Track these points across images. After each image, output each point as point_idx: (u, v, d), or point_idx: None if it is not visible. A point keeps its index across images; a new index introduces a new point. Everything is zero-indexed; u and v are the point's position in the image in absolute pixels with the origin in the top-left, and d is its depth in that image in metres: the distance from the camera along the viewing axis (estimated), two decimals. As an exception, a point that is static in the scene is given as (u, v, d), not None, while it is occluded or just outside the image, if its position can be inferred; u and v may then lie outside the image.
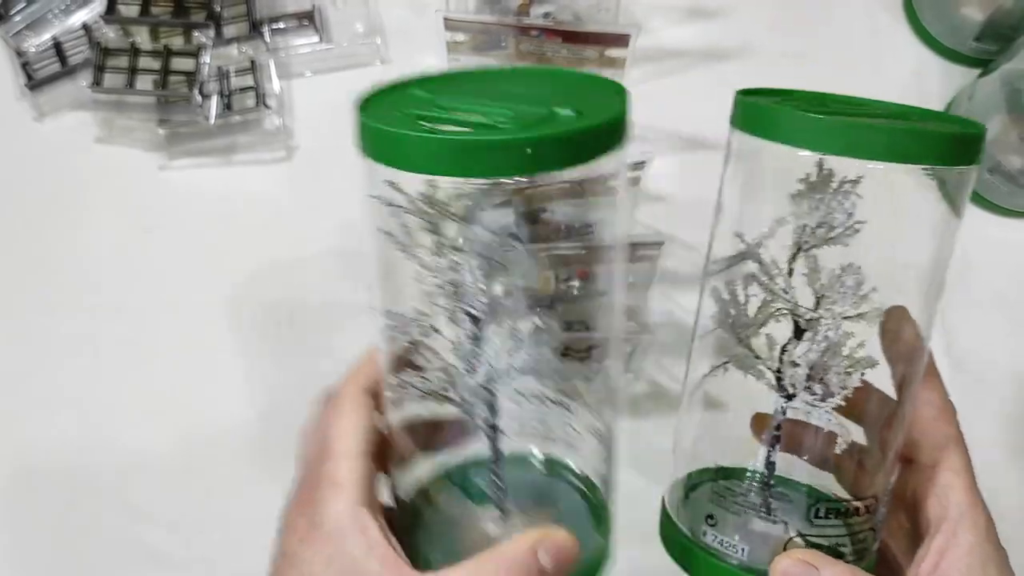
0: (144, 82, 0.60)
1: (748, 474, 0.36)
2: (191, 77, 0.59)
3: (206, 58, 0.59)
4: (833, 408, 0.33)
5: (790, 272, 0.32)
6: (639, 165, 0.54)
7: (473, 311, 0.31)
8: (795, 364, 0.32)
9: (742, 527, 0.35)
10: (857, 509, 0.35)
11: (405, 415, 0.35)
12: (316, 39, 0.62)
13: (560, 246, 0.54)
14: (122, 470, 0.58)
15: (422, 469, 0.36)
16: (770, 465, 0.35)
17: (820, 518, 0.35)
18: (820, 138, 0.29)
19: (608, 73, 0.57)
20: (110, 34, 0.60)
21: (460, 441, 0.35)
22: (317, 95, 0.62)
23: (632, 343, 0.56)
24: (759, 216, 0.33)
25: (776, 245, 0.32)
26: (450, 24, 0.54)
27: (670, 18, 0.62)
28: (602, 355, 0.57)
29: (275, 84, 0.61)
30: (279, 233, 0.60)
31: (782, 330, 0.33)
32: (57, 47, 0.61)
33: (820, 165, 0.30)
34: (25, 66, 0.61)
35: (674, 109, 0.61)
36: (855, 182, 0.30)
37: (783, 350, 0.33)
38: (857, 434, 0.35)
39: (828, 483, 0.36)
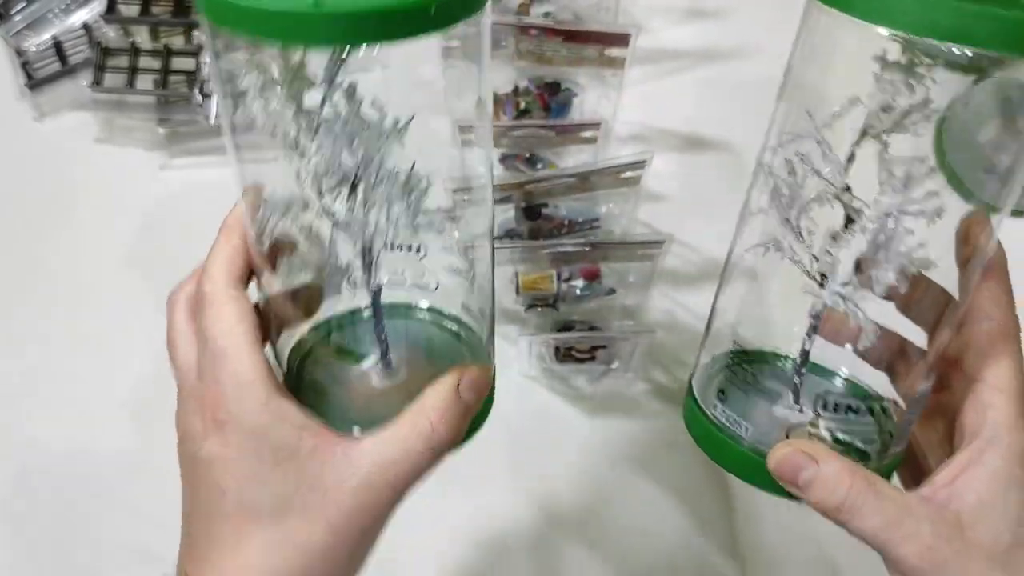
0: (144, 82, 0.60)
1: (779, 358, 0.35)
2: (191, 77, 0.59)
3: (207, 58, 0.60)
4: (883, 299, 0.31)
5: (851, 157, 0.30)
6: (639, 164, 0.54)
7: (341, 180, 0.30)
8: (836, 252, 0.31)
9: (751, 406, 0.34)
10: (870, 408, 0.34)
11: (279, 288, 0.35)
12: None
13: (563, 242, 0.54)
14: (122, 470, 0.58)
15: (299, 332, 0.36)
16: (804, 353, 0.33)
17: (829, 410, 0.33)
18: (905, 15, 0.26)
19: (608, 73, 0.58)
20: (110, 34, 0.60)
21: (329, 299, 0.35)
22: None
23: (632, 342, 0.57)
24: (829, 96, 0.31)
25: (843, 130, 0.30)
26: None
27: (670, 18, 0.63)
28: (609, 356, 0.57)
29: (275, 84, 0.61)
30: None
31: (835, 219, 0.31)
32: (57, 47, 0.61)
33: (902, 44, 0.28)
34: (25, 66, 0.61)
35: (674, 109, 0.62)
36: (932, 65, 0.28)
37: (831, 243, 0.31)
38: (903, 333, 0.34)
39: (869, 382, 0.35)
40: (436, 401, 0.32)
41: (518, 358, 0.58)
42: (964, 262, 0.32)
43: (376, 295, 0.34)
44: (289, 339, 0.36)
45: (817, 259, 0.31)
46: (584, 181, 0.55)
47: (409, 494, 0.32)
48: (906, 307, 0.33)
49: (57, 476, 0.58)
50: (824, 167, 0.30)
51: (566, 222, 0.56)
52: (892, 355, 0.34)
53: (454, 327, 0.37)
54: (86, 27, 0.61)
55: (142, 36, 0.61)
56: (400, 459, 0.31)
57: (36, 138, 0.62)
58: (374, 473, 0.30)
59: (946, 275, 0.33)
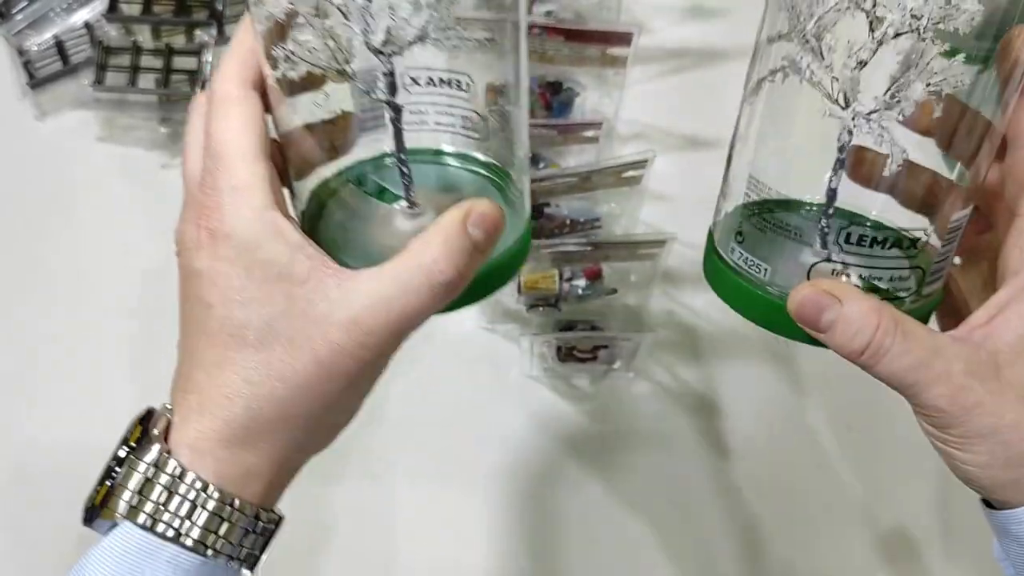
0: (146, 81, 0.60)
1: (804, 205, 0.32)
2: (193, 76, 0.59)
3: (208, 56, 0.59)
4: (918, 130, 0.28)
5: None
6: (641, 164, 0.54)
7: None
8: (858, 67, 0.28)
9: (771, 248, 0.32)
10: (899, 240, 0.31)
11: (298, 119, 0.31)
12: (318, 39, 0.62)
13: (565, 242, 0.54)
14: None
15: (320, 175, 0.33)
16: (830, 192, 0.30)
17: (852, 244, 0.31)
18: None
19: (610, 72, 0.58)
20: (112, 33, 0.60)
21: (357, 140, 0.33)
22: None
23: (634, 342, 0.56)
24: None
25: None
26: (452, 23, 0.54)
27: (672, 18, 0.63)
28: (611, 356, 0.57)
29: (277, 83, 0.61)
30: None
31: (857, 35, 0.28)
32: (59, 46, 0.61)
33: None
34: (27, 65, 0.61)
35: (676, 108, 0.61)
36: None
37: (850, 55, 0.28)
38: (936, 162, 0.31)
39: (911, 221, 0.32)
40: (440, 235, 0.28)
41: (520, 358, 0.58)
42: (1005, 79, 0.29)
43: (397, 111, 0.30)
44: (306, 184, 0.33)
45: (838, 79, 0.28)
46: (586, 180, 0.55)
47: (409, 334, 0.29)
48: (942, 140, 0.30)
49: (57, 476, 0.58)
50: None
51: (568, 221, 0.56)
52: (926, 192, 0.31)
53: (487, 172, 0.34)
54: (88, 26, 0.61)
55: (144, 35, 0.61)
56: (397, 296, 0.28)
57: (37, 137, 0.62)
58: (368, 308, 0.27)
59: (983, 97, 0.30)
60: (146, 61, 0.60)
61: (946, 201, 0.31)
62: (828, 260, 0.31)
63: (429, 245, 0.28)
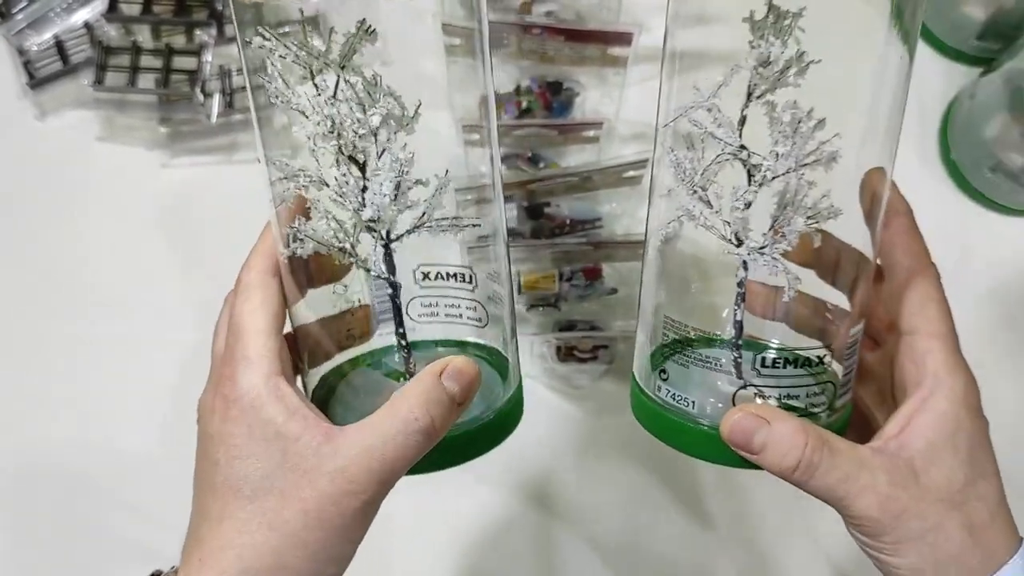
0: (146, 81, 0.60)
1: (714, 336, 0.35)
2: (193, 75, 0.59)
3: (208, 56, 0.59)
4: (793, 261, 0.32)
5: (743, 120, 0.31)
6: (641, 164, 0.54)
7: (354, 148, 0.31)
8: (745, 209, 0.32)
9: (695, 380, 0.34)
10: (809, 359, 0.33)
11: (311, 314, 0.35)
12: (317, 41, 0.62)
13: (565, 242, 0.54)
14: (121, 470, 0.58)
15: (331, 362, 0.37)
16: (737, 324, 0.34)
17: (768, 367, 0.33)
18: None
19: (611, 72, 0.58)
20: (112, 33, 0.60)
21: (373, 331, 0.36)
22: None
23: (634, 342, 0.56)
24: (710, 66, 0.32)
25: (735, 95, 0.31)
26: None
27: (672, 17, 0.62)
28: (611, 356, 0.57)
29: (277, 83, 0.61)
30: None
31: (739, 181, 0.32)
32: (59, 46, 0.61)
33: (767, 2, 0.29)
34: (27, 65, 0.61)
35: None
36: (797, 15, 0.29)
37: (736, 199, 0.32)
38: (824, 291, 0.34)
39: (808, 346, 0.35)
40: (416, 387, 0.31)
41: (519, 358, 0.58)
42: (867, 214, 0.32)
43: (395, 288, 0.34)
44: (317, 370, 0.36)
45: (729, 223, 0.32)
46: (586, 180, 0.55)
47: (393, 482, 0.31)
48: (823, 271, 0.33)
49: (57, 476, 0.58)
50: (717, 129, 0.31)
51: (568, 221, 0.56)
52: (817, 317, 0.34)
53: (486, 356, 0.37)
54: (87, 26, 0.61)
55: (144, 35, 0.61)
56: (377, 445, 0.30)
57: (37, 137, 0.62)
58: (352, 458, 0.30)
59: (856, 229, 0.33)
60: (146, 61, 0.60)
61: (839, 322, 0.34)
62: (748, 386, 0.34)
63: (406, 396, 0.31)
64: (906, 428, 0.31)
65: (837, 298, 0.34)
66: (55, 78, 0.61)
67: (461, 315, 0.36)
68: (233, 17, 0.32)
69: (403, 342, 0.35)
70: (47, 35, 0.61)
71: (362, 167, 0.31)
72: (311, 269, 0.34)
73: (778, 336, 0.35)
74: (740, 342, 0.34)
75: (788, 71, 0.30)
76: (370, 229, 0.32)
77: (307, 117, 0.31)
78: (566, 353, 0.57)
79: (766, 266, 0.32)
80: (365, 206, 0.32)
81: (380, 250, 0.33)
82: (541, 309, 0.57)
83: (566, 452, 0.58)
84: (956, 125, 0.60)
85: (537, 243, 0.55)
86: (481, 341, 0.37)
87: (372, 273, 0.33)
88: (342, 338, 0.36)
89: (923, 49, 0.62)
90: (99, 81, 0.59)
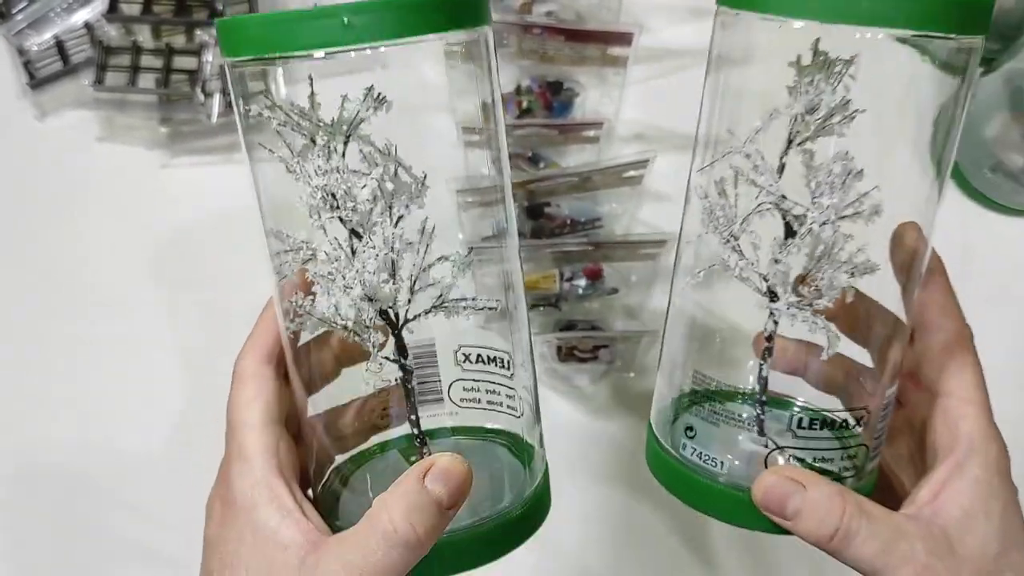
0: (146, 80, 0.60)
1: (739, 392, 0.33)
2: (193, 75, 0.59)
3: (208, 56, 0.59)
4: (824, 316, 0.30)
5: (781, 168, 0.30)
6: (641, 164, 0.54)
7: (349, 220, 0.29)
8: (779, 262, 0.30)
9: (724, 441, 0.33)
10: (845, 422, 0.32)
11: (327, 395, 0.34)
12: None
13: (566, 242, 0.54)
14: (121, 470, 0.58)
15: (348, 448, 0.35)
16: (762, 380, 0.32)
17: (804, 429, 0.32)
18: (811, 4, 0.26)
19: (611, 72, 0.58)
20: (112, 33, 0.60)
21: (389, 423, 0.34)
22: (317, 94, 0.62)
23: (634, 342, 0.56)
24: (751, 110, 0.30)
25: (770, 140, 0.30)
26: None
27: (672, 17, 0.62)
28: (611, 356, 0.57)
29: (277, 83, 0.61)
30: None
31: (775, 232, 0.31)
32: (59, 46, 0.61)
33: (814, 45, 0.28)
34: (27, 65, 0.61)
35: (676, 108, 0.61)
36: (848, 62, 0.28)
37: (773, 250, 0.30)
38: (857, 353, 0.33)
39: (830, 404, 0.34)
40: (397, 492, 0.29)
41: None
42: (901, 269, 0.32)
43: (407, 373, 0.32)
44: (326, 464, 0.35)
45: (766, 277, 0.30)
46: (586, 180, 0.55)
47: None
48: (851, 327, 0.32)
49: (57, 476, 0.58)
50: (759, 177, 0.30)
51: (568, 221, 0.56)
52: (844, 376, 0.33)
53: (506, 443, 0.35)
54: (88, 26, 0.61)
55: (144, 35, 0.61)
56: (357, 562, 0.28)
57: (37, 137, 0.62)
58: (338, 568, 0.28)
59: (889, 286, 0.32)
60: (146, 61, 0.60)
61: (868, 382, 0.33)
62: (782, 448, 0.32)
63: (386, 504, 0.29)
64: (940, 495, 0.30)
65: (859, 355, 0.33)
66: (55, 78, 0.61)
67: (501, 403, 0.34)
68: (230, 86, 0.31)
69: (416, 430, 0.33)
70: (47, 35, 0.61)
71: (357, 236, 0.30)
72: (333, 350, 0.33)
73: (798, 392, 0.34)
74: (765, 399, 0.33)
75: (833, 119, 0.29)
76: (381, 312, 0.30)
77: (308, 186, 0.29)
78: (567, 353, 0.57)
79: (804, 323, 0.30)
80: (353, 284, 0.29)
81: (393, 335, 0.31)
82: (542, 309, 0.57)
83: (565, 451, 0.58)
84: (956, 125, 0.60)
85: (538, 243, 0.55)
86: (500, 427, 0.35)
87: (374, 356, 0.31)
88: (364, 424, 0.34)
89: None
90: (99, 81, 0.59)
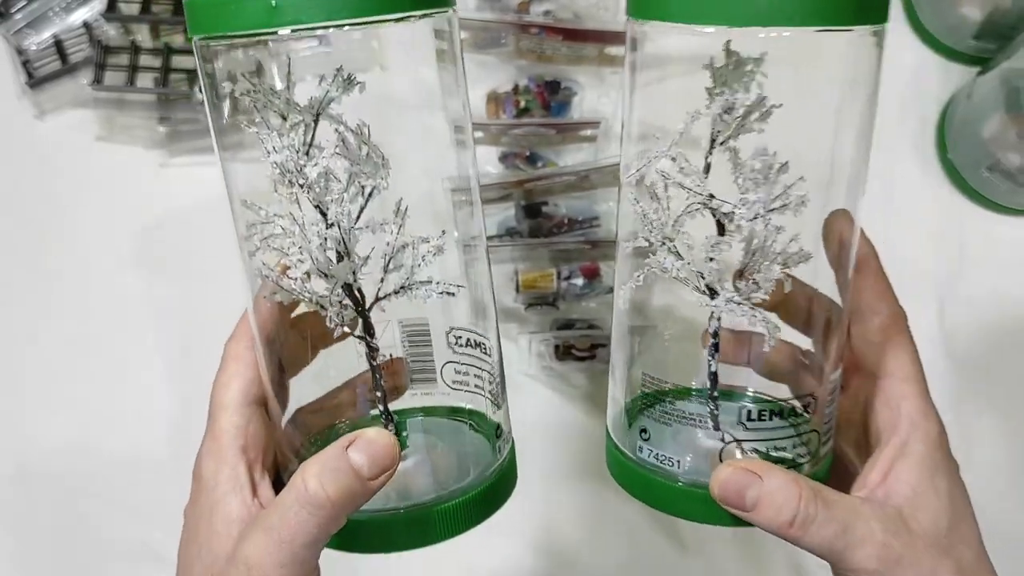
0: (145, 80, 0.60)
1: (689, 389, 0.34)
2: (192, 75, 0.59)
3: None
4: (760, 305, 0.31)
5: (707, 168, 0.30)
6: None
7: (311, 198, 0.30)
8: (714, 260, 0.31)
9: (679, 439, 0.34)
10: (793, 409, 0.33)
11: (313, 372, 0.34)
12: (315, 42, 0.62)
13: (563, 240, 0.54)
14: (120, 470, 0.58)
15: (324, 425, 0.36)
16: (712, 376, 0.33)
17: (754, 420, 0.33)
18: (718, 9, 0.27)
19: (608, 71, 0.58)
20: (111, 32, 0.60)
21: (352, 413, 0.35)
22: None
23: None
24: (672, 113, 0.31)
25: (694, 141, 0.31)
26: (451, 22, 0.54)
27: (670, 17, 0.63)
28: (609, 355, 0.57)
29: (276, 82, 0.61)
30: (280, 231, 0.60)
31: (709, 231, 0.31)
32: (58, 45, 0.61)
33: (726, 47, 0.29)
34: (26, 64, 0.61)
35: (675, 107, 0.61)
36: (758, 60, 0.28)
37: (706, 248, 0.31)
38: (797, 337, 0.34)
39: (780, 393, 0.35)
40: (318, 458, 0.30)
41: (518, 356, 0.58)
42: (834, 259, 0.32)
43: (372, 351, 0.33)
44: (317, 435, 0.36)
45: (703, 275, 0.31)
46: (584, 179, 0.55)
47: (306, 561, 0.30)
48: (791, 316, 0.33)
49: (57, 476, 0.58)
50: (686, 179, 0.30)
51: (566, 220, 0.56)
52: (791, 363, 0.34)
53: (472, 421, 0.36)
54: (86, 25, 0.61)
55: (142, 34, 0.61)
56: (275, 525, 0.29)
57: (36, 136, 0.62)
58: (254, 543, 0.29)
59: (827, 272, 0.33)
60: (145, 60, 0.60)
61: (814, 367, 0.34)
62: (734, 441, 0.33)
63: (303, 467, 0.30)
64: (889, 475, 0.31)
65: (803, 342, 0.34)
66: (54, 77, 0.61)
67: (483, 387, 0.35)
68: (199, 63, 0.31)
69: (382, 407, 0.34)
70: (46, 34, 0.61)
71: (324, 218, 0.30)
72: (310, 329, 0.34)
73: (749, 382, 0.35)
74: (716, 394, 0.33)
75: (750, 116, 0.29)
76: (347, 288, 0.31)
77: (268, 161, 0.30)
78: (564, 351, 0.57)
79: (744, 316, 0.31)
80: (304, 258, 0.30)
81: (357, 312, 0.31)
82: (539, 308, 0.57)
83: (563, 450, 0.58)
84: (953, 125, 0.60)
85: (535, 242, 0.55)
86: (474, 408, 0.36)
87: (336, 333, 0.31)
88: (340, 405, 0.35)
89: (920, 49, 0.63)
90: (98, 80, 0.59)
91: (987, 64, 0.60)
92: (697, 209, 0.31)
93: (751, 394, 0.35)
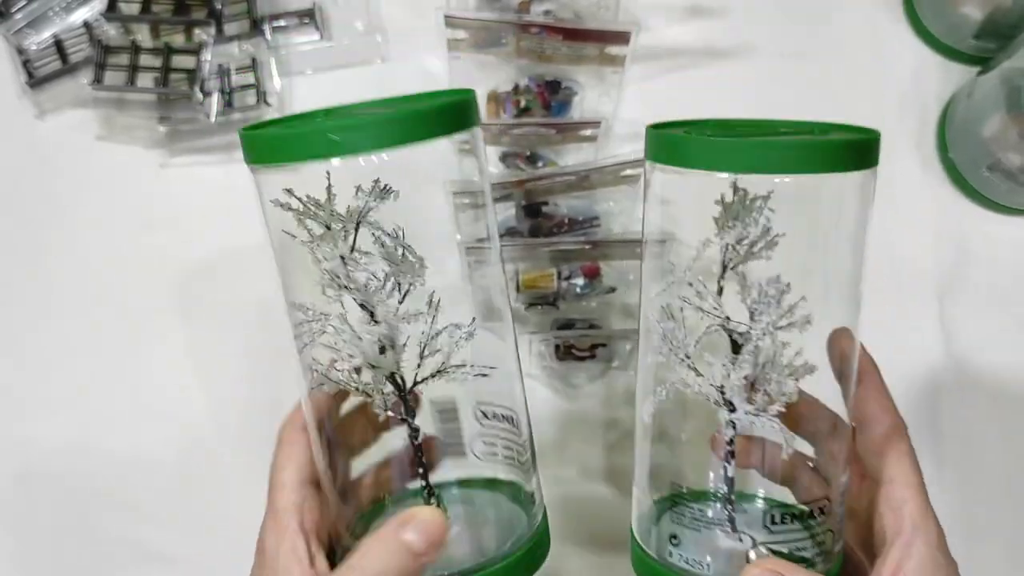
0: (145, 80, 0.60)
1: (710, 493, 0.37)
2: (192, 75, 0.59)
3: (207, 56, 0.60)
4: (777, 417, 0.34)
5: (720, 290, 0.34)
6: (639, 162, 0.54)
7: (356, 297, 0.34)
8: (731, 377, 0.34)
9: (706, 543, 0.36)
10: (811, 512, 0.36)
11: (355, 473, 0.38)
12: (317, 37, 0.62)
13: (563, 240, 0.54)
14: (121, 470, 0.58)
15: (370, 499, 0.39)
16: (728, 480, 0.36)
17: (777, 524, 0.36)
18: (729, 159, 0.32)
19: (609, 71, 0.58)
20: (111, 32, 0.60)
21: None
22: (318, 93, 0.62)
23: (632, 341, 0.56)
24: (686, 242, 0.35)
25: (706, 268, 0.34)
26: (451, 22, 0.54)
27: (670, 16, 0.63)
28: (609, 355, 0.57)
29: (276, 82, 0.61)
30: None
31: (725, 350, 0.35)
32: (58, 45, 0.61)
33: (734, 185, 0.32)
34: (26, 64, 0.61)
35: (675, 107, 0.61)
36: (766, 198, 0.32)
37: (724, 366, 0.34)
38: (807, 447, 0.37)
39: (788, 495, 0.38)
40: (372, 538, 0.33)
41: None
42: (837, 372, 0.36)
43: (415, 432, 0.36)
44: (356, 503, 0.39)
45: (723, 390, 0.34)
46: (584, 179, 0.55)
47: None
48: (796, 425, 0.35)
49: (57, 476, 0.58)
50: (703, 303, 0.34)
51: (566, 220, 0.56)
52: (798, 469, 0.37)
53: (508, 489, 0.39)
54: (87, 25, 0.61)
55: (143, 34, 0.61)
56: None
57: (36, 136, 0.62)
58: None
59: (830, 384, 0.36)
60: (145, 60, 0.60)
61: (819, 472, 0.37)
62: (761, 544, 0.36)
63: (362, 547, 0.33)
64: (898, 574, 0.34)
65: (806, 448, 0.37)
66: (54, 77, 0.61)
67: (513, 457, 0.38)
68: (258, 188, 0.34)
69: (425, 483, 0.37)
70: (46, 34, 0.61)
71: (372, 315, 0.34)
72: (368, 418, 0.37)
73: (756, 485, 0.38)
74: (733, 497, 0.36)
75: (756, 246, 0.33)
76: (391, 377, 0.34)
77: (319, 268, 0.33)
78: (564, 352, 0.57)
79: (762, 428, 0.34)
80: (355, 354, 0.34)
81: (390, 395, 0.35)
82: (539, 308, 0.57)
83: (563, 450, 0.58)
84: (953, 124, 0.60)
85: (535, 242, 0.55)
86: (507, 478, 0.39)
87: (381, 416, 0.35)
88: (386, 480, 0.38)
89: (920, 48, 0.63)
90: (98, 80, 0.59)
91: (988, 63, 0.60)
92: (716, 330, 0.34)
93: (763, 496, 0.38)
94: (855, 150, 0.32)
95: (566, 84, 0.58)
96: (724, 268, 0.33)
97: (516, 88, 0.58)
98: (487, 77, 0.58)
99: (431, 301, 0.34)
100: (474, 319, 0.35)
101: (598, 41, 0.56)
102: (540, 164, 0.58)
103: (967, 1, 0.60)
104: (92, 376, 0.59)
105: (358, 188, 0.32)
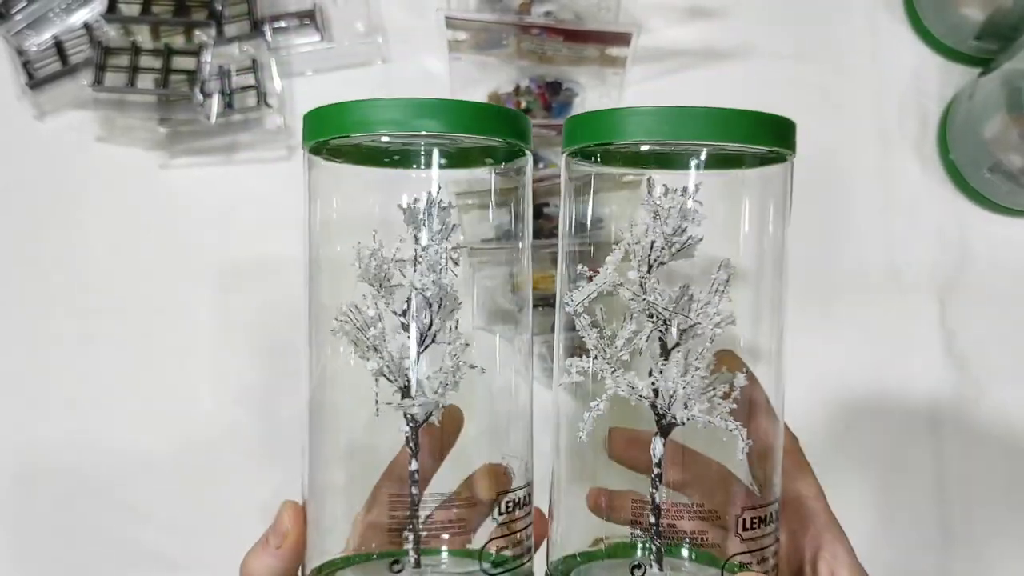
0: (145, 81, 0.60)
1: (634, 535, 0.35)
2: (192, 76, 0.59)
3: (207, 57, 0.59)
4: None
5: (643, 288, 0.33)
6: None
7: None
8: (669, 374, 0.33)
9: None
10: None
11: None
12: (317, 38, 0.62)
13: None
14: (120, 470, 0.58)
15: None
16: (655, 509, 0.33)
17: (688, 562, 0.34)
18: (647, 128, 0.32)
19: (609, 72, 0.58)
20: (111, 33, 0.60)
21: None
22: (318, 94, 0.62)
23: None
24: (606, 243, 0.35)
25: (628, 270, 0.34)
26: (451, 23, 0.54)
27: (670, 17, 0.63)
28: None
29: (276, 83, 0.61)
30: (279, 232, 0.60)
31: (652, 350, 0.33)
32: (58, 46, 0.61)
33: (648, 185, 0.33)
34: (26, 65, 0.61)
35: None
36: (686, 191, 0.32)
37: (652, 372, 0.33)
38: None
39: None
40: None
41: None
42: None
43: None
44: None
45: (656, 391, 0.33)
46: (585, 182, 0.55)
47: None
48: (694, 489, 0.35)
49: (57, 476, 0.58)
50: (632, 301, 0.33)
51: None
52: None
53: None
54: (87, 26, 0.61)
55: (143, 35, 0.61)
56: None
57: (36, 137, 0.62)
58: None
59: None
60: (145, 61, 0.60)
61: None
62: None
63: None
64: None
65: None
66: (54, 78, 0.61)
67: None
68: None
69: (415, 537, 0.36)
70: (46, 35, 0.61)
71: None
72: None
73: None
74: (660, 528, 0.33)
75: (673, 247, 0.33)
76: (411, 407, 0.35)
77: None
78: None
79: (715, 427, 0.32)
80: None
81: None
82: (541, 309, 0.57)
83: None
84: (955, 125, 0.60)
85: (536, 243, 0.55)
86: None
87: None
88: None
89: (921, 49, 0.63)
90: (98, 81, 0.59)
91: (989, 65, 0.60)
92: (652, 331, 0.33)
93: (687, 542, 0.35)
94: (771, 125, 0.32)
95: (567, 85, 0.58)
96: (650, 267, 0.33)
97: (517, 89, 0.58)
98: (488, 78, 0.58)
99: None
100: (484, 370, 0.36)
101: (599, 42, 0.56)
102: (541, 165, 0.58)
103: (968, 2, 0.60)
104: (92, 375, 0.59)
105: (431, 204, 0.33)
